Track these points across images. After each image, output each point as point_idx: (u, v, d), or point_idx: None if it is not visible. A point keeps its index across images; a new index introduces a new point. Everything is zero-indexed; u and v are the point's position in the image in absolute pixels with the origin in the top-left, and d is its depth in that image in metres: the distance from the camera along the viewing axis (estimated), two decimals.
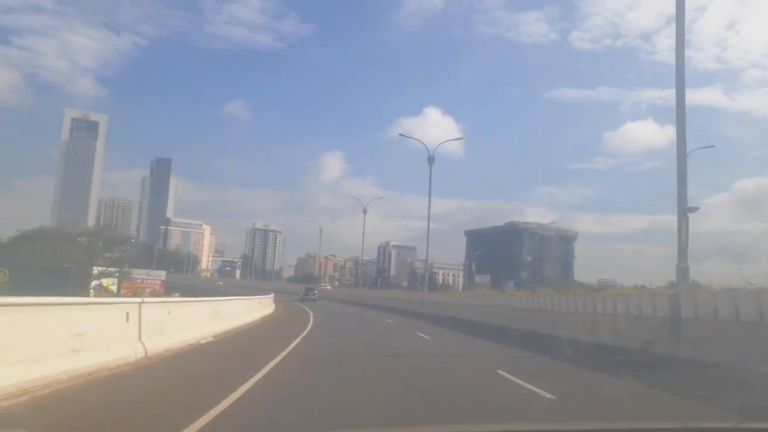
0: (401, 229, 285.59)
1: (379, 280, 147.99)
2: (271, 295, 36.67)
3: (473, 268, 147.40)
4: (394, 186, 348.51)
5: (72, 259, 45.41)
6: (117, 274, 49.09)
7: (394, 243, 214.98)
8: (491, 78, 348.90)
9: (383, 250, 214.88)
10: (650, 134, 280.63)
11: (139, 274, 62.68)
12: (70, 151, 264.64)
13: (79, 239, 55.71)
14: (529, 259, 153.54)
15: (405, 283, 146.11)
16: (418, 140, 53.39)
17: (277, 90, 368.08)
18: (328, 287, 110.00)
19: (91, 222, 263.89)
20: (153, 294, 43.32)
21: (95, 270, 46.47)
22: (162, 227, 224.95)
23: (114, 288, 47.05)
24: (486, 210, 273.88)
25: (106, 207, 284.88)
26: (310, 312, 33.13)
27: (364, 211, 67.00)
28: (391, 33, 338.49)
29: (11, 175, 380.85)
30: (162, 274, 66.68)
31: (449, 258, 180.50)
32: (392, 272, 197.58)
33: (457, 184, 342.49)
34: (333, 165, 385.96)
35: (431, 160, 44.93)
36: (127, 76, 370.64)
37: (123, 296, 36.14)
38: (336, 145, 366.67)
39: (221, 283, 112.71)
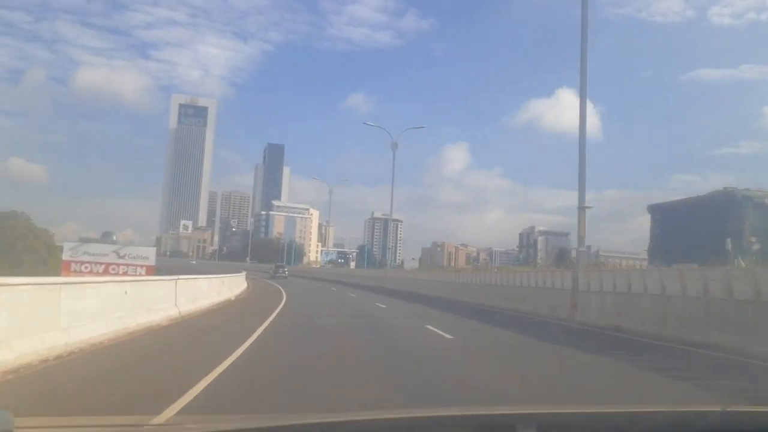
0: (528, 222, 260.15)
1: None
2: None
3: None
4: (523, 177, 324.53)
5: None
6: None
7: (541, 228, 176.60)
8: (622, 60, 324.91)
9: (526, 237, 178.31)
10: None
11: (98, 252, 31.41)
12: (178, 139, 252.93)
13: None
14: (753, 239, 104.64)
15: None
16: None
17: (397, 85, 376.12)
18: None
19: (202, 214, 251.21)
20: None
21: None
22: (263, 212, 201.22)
23: None
24: (621, 199, 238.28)
25: (223, 200, 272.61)
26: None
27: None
28: (513, 18, 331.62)
29: (137, 176, 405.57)
30: (150, 255, 33.92)
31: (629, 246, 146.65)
32: (539, 261, 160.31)
33: (594, 171, 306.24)
34: (457, 157, 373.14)
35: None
36: (253, 80, 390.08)
37: None
38: (460, 135, 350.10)
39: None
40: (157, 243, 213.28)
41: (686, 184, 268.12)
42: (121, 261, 35.19)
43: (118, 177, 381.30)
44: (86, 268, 33.75)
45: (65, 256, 34.75)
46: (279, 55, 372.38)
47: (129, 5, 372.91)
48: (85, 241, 45.20)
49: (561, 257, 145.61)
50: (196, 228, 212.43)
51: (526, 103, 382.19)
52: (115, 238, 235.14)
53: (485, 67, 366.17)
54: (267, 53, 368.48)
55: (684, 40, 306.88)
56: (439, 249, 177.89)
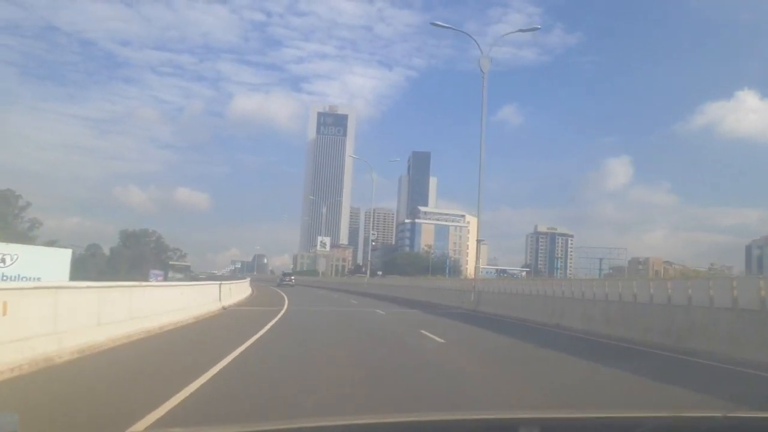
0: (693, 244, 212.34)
1: None
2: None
3: None
4: (697, 191, 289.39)
5: None
6: None
7: None
8: None
9: (749, 251, 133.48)
10: None
11: None
12: (317, 150, 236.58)
13: None
14: None
15: None
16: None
17: (548, 98, 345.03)
18: None
19: (344, 229, 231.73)
20: None
21: None
22: (406, 221, 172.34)
23: None
24: None
25: (366, 217, 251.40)
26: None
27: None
28: (674, 22, 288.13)
29: (288, 200, 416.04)
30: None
31: None
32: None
33: None
34: (617, 171, 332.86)
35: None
36: (397, 105, 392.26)
37: None
38: (620, 146, 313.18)
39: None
40: (294, 261, 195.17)
41: None
42: None
43: (271, 201, 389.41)
44: None
45: None
46: (422, 80, 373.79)
47: (283, 41, 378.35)
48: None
49: None
50: (335, 246, 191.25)
51: (701, 106, 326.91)
52: (266, 261, 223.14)
53: (646, 76, 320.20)
54: (410, 79, 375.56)
55: None
56: (640, 267, 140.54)
